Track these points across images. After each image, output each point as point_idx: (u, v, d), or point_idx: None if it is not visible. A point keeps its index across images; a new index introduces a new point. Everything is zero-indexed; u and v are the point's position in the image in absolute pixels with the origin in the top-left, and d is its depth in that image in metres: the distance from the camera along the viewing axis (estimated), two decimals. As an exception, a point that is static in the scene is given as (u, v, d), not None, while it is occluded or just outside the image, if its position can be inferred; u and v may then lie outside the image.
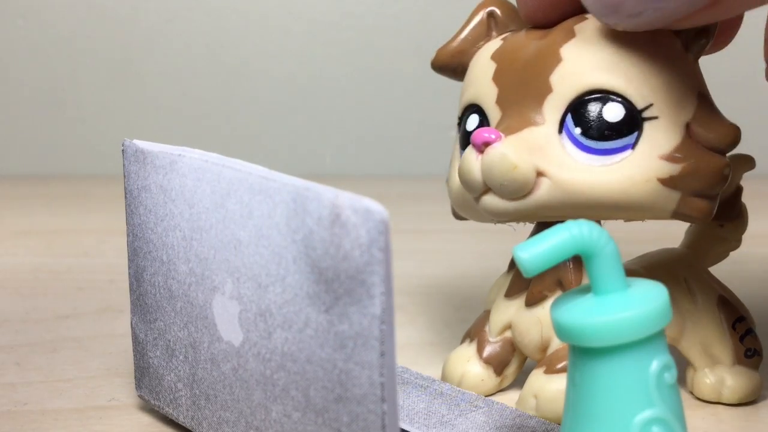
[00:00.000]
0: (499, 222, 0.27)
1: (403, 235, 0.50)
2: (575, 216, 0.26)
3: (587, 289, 0.22)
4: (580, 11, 0.26)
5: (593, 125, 0.25)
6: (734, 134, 0.26)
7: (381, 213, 0.18)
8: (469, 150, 0.26)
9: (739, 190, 0.30)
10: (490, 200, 0.26)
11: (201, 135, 0.74)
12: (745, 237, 0.31)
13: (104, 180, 0.66)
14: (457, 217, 0.30)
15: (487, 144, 0.25)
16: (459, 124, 0.29)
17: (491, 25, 0.29)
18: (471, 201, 0.27)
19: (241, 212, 0.22)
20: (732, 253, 0.31)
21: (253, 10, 0.73)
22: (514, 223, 0.28)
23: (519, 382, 0.30)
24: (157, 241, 0.25)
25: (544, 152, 0.25)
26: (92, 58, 0.73)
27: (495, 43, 0.28)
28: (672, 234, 0.34)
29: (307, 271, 0.20)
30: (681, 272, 0.29)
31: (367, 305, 0.19)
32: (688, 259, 0.30)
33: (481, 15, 0.29)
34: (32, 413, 0.28)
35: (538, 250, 0.20)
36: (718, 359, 0.28)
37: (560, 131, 0.25)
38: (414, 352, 0.34)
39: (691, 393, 0.29)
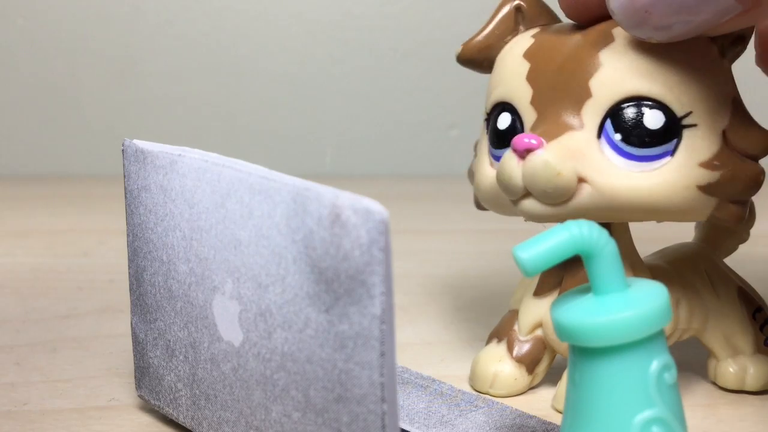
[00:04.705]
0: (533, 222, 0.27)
1: (403, 235, 0.50)
2: (613, 219, 0.26)
3: (587, 289, 0.22)
4: None
5: (634, 132, 0.25)
6: None
7: (381, 213, 0.18)
8: (509, 155, 0.26)
9: None
10: (530, 205, 0.26)
11: (201, 135, 0.74)
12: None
13: (104, 180, 0.66)
14: (480, 208, 0.30)
15: (529, 150, 0.25)
16: (486, 120, 0.29)
17: (518, 19, 0.29)
18: (505, 200, 0.27)
19: (241, 212, 0.22)
20: (734, 253, 0.32)
21: (253, 10, 0.73)
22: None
23: (548, 379, 0.30)
24: (157, 241, 0.25)
25: (584, 158, 0.25)
26: (92, 58, 0.73)
27: (526, 41, 0.28)
28: (672, 233, 0.34)
29: (307, 271, 0.20)
30: (702, 265, 0.30)
31: (367, 305, 0.19)
32: (705, 252, 0.30)
33: (508, 9, 0.29)
34: (32, 413, 0.28)
35: (538, 251, 0.20)
36: (740, 349, 0.29)
37: (599, 136, 0.25)
38: (414, 352, 0.34)
39: (714, 383, 0.30)
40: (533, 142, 0.25)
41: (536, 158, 0.25)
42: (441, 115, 0.74)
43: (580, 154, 0.25)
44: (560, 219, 0.26)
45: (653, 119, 0.25)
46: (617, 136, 0.25)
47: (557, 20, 0.29)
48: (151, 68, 0.73)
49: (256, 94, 0.74)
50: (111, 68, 0.73)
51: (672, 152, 0.25)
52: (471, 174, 0.30)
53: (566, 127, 0.26)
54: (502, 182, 0.26)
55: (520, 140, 0.25)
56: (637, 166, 0.25)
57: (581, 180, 0.25)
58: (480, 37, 0.29)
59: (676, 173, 0.25)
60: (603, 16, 0.26)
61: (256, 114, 0.74)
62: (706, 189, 0.25)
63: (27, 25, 0.73)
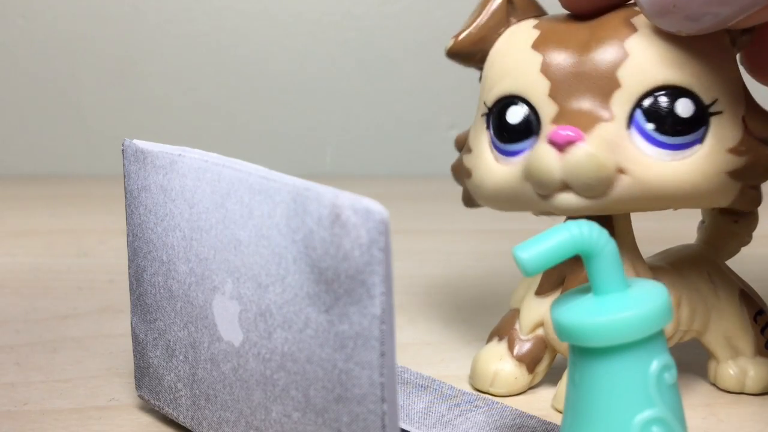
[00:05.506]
0: (548, 215, 0.27)
1: (403, 235, 0.50)
2: (645, 208, 0.26)
3: (587, 289, 0.22)
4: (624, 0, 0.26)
5: (667, 121, 0.25)
6: None
7: (381, 213, 0.18)
8: (546, 148, 0.25)
9: None
10: (567, 198, 0.26)
11: (201, 135, 0.74)
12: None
13: (104, 180, 0.66)
14: (471, 205, 0.30)
15: (570, 143, 0.25)
16: (488, 114, 0.28)
17: (509, 10, 0.29)
18: (521, 195, 0.27)
19: (241, 212, 0.22)
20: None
21: (253, 10, 0.73)
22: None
23: (548, 379, 0.30)
24: (157, 241, 0.25)
25: (620, 149, 0.25)
26: (92, 57, 0.73)
27: (528, 32, 0.27)
28: (674, 234, 0.34)
29: (307, 271, 0.20)
30: (704, 267, 0.30)
31: (367, 305, 0.19)
32: (708, 254, 0.31)
33: (498, 1, 0.29)
34: (32, 413, 0.28)
35: (538, 251, 0.20)
36: (740, 351, 0.29)
37: (628, 126, 0.25)
38: (414, 352, 0.34)
39: (714, 385, 0.30)
40: (571, 134, 0.25)
41: (580, 151, 0.25)
42: (441, 115, 0.74)
43: (616, 144, 0.25)
44: (596, 211, 0.26)
45: (684, 107, 0.25)
46: (650, 126, 0.25)
47: (544, 12, 0.29)
48: (151, 68, 0.73)
49: (257, 93, 0.74)
50: (111, 68, 0.73)
51: (701, 140, 0.25)
52: (460, 171, 0.29)
53: (596, 119, 0.25)
54: (536, 176, 0.26)
55: (558, 134, 0.25)
56: (669, 155, 0.25)
57: (620, 171, 0.25)
58: (473, 29, 0.29)
59: (707, 160, 0.25)
60: (603, 7, 0.26)
61: (256, 114, 0.74)
62: (734, 174, 0.26)
63: (27, 25, 0.73)
